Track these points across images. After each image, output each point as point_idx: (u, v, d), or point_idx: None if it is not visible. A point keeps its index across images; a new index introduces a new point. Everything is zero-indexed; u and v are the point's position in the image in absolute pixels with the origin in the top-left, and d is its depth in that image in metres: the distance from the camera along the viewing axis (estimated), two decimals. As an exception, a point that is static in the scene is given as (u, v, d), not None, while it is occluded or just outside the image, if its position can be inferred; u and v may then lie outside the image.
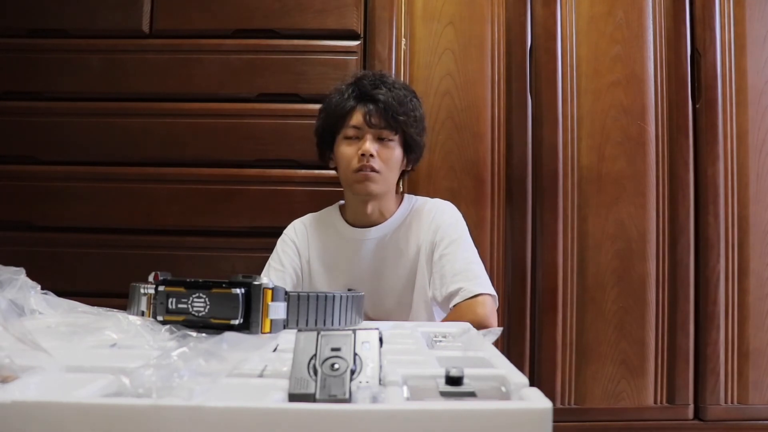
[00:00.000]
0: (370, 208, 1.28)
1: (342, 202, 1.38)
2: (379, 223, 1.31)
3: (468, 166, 1.65)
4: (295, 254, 1.33)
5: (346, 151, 1.25)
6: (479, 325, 0.99)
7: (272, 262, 1.33)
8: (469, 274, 1.21)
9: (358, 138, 1.24)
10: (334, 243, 1.33)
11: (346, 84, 1.28)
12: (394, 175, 1.28)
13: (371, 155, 1.21)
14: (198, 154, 1.66)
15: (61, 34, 1.68)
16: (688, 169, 1.63)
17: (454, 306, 1.19)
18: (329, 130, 1.28)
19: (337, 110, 1.25)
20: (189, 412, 0.40)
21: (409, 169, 1.34)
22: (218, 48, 1.67)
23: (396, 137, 1.25)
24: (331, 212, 1.38)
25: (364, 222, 1.31)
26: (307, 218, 1.39)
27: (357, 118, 1.23)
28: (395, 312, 1.27)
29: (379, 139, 1.23)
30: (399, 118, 1.22)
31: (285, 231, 1.37)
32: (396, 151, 1.25)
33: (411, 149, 1.28)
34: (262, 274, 1.31)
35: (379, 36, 1.66)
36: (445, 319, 1.22)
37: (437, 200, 1.36)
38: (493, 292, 1.20)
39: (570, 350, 1.62)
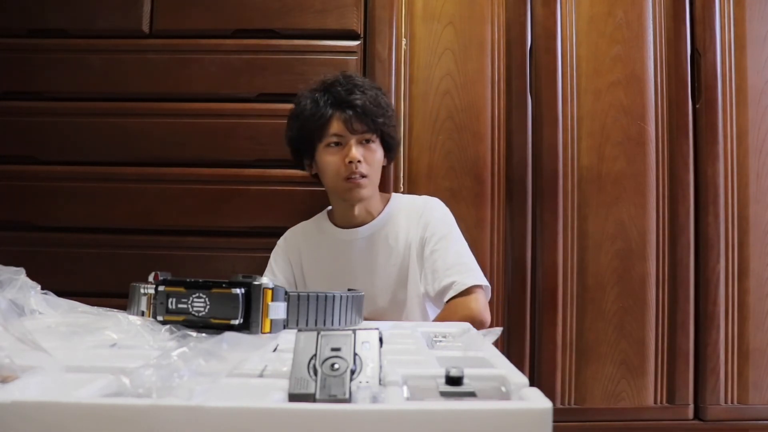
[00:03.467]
0: (356, 209, 1.31)
1: (329, 207, 1.41)
2: (367, 222, 1.33)
3: (468, 166, 1.65)
4: (287, 264, 1.37)
5: (331, 160, 1.26)
6: (473, 321, 1.02)
7: (267, 273, 1.37)
8: (461, 267, 1.24)
9: (341, 144, 1.25)
10: (325, 247, 1.35)
11: (316, 92, 1.28)
12: (379, 175, 1.32)
13: (359, 161, 1.23)
14: (198, 154, 1.66)
15: (61, 34, 1.68)
16: (688, 169, 1.63)
17: (447, 301, 1.21)
18: (307, 139, 1.28)
19: (314, 119, 1.25)
20: (189, 412, 0.40)
21: (386, 164, 1.37)
22: (218, 48, 1.67)
23: (377, 138, 1.28)
24: (320, 218, 1.41)
25: (353, 223, 1.34)
26: (299, 227, 1.43)
27: (337, 126, 1.24)
28: (390, 310, 1.29)
29: (362, 143, 1.26)
30: (378, 120, 1.25)
31: (278, 242, 1.41)
32: (378, 152, 1.29)
33: (389, 146, 1.32)
34: None
35: (379, 36, 1.66)
36: (438, 316, 1.24)
37: (424, 197, 1.39)
38: (485, 282, 1.24)
39: (570, 350, 1.62)
